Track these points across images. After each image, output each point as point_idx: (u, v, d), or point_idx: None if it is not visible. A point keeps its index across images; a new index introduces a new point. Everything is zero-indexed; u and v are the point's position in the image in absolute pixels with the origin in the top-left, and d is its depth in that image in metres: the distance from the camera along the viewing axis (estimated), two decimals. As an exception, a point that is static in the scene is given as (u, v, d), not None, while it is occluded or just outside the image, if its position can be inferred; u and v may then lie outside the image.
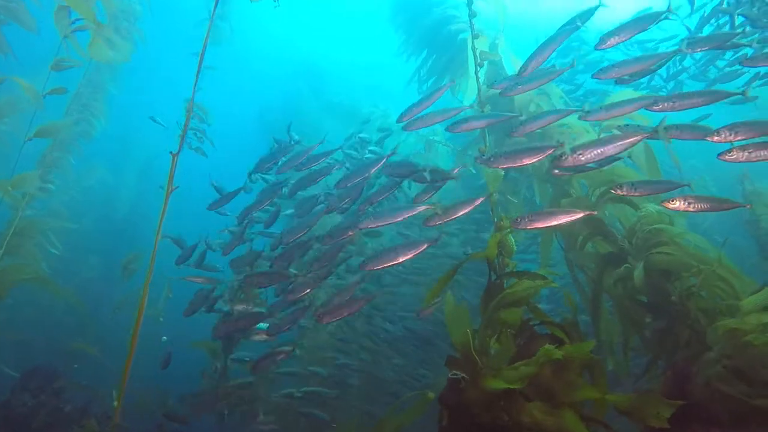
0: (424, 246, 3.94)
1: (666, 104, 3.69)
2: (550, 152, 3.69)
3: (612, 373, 5.39)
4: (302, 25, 29.37)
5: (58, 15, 6.02)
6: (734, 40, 4.24)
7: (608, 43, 3.93)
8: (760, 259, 7.53)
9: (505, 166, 3.79)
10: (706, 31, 6.91)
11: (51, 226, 10.29)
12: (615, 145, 3.60)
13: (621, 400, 3.14)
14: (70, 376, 8.29)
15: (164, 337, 5.53)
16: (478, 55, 4.25)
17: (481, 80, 4.41)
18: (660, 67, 4.15)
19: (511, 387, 2.98)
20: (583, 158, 3.60)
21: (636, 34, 3.95)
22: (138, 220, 19.04)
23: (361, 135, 8.58)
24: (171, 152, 2.26)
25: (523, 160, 3.71)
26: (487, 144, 4.30)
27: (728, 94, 3.69)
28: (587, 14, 4.14)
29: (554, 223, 3.59)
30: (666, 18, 4.00)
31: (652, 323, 4.27)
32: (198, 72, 2.59)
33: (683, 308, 3.86)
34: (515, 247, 3.77)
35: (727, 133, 3.44)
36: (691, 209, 3.57)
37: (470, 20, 4.34)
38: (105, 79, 12.86)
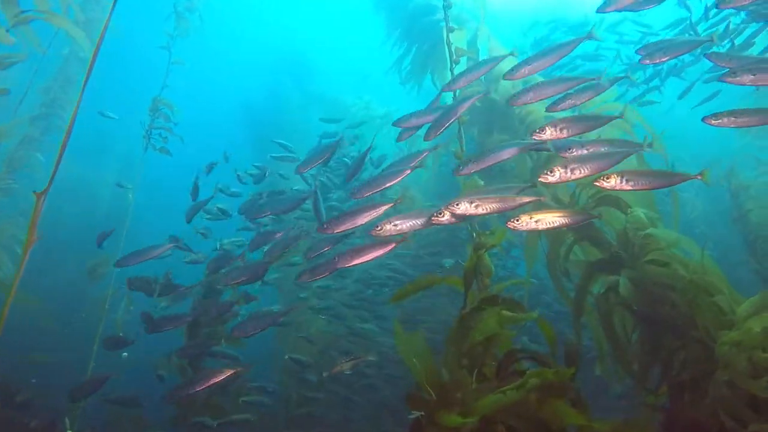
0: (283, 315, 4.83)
1: (556, 130, 3.58)
2: (388, 207, 3.61)
3: (600, 378, 5.23)
4: (286, 13, 28.67)
5: (6, 4, 5.53)
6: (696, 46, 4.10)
7: (519, 73, 3.82)
8: (747, 257, 7.39)
9: (344, 229, 3.70)
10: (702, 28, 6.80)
11: (21, 226, 9.79)
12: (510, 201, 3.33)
13: (606, 428, 2.92)
14: (36, 387, 7.89)
15: (124, 354, 5.22)
16: (453, 50, 3.95)
17: (457, 77, 4.12)
18: (582, 97, 3.93)
19: (467, 422, 2.72)
20: (480, 209, 3.20)
21: (555, 62, 3.85)
22: (120, 217, 18.43)
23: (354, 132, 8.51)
24: (34, 192, 1.86)
25: (358, 221, 3.63)
26: (463, 143, 4.00)
27: (611, 119, 3.83)
28: (499, 58, 4.23)
29: (369, 257, 3.53)
30: (590, 37, 3.98)
31: (642, 335, 4.04)
32: (100, 69, 2.23)
33: (690, 320, 3.63)
34: (492, 268, 3.47)
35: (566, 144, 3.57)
36: (540, 227, 3.28)
37: (445, 12, 4.02)
38: (76, 72, 12.38)
